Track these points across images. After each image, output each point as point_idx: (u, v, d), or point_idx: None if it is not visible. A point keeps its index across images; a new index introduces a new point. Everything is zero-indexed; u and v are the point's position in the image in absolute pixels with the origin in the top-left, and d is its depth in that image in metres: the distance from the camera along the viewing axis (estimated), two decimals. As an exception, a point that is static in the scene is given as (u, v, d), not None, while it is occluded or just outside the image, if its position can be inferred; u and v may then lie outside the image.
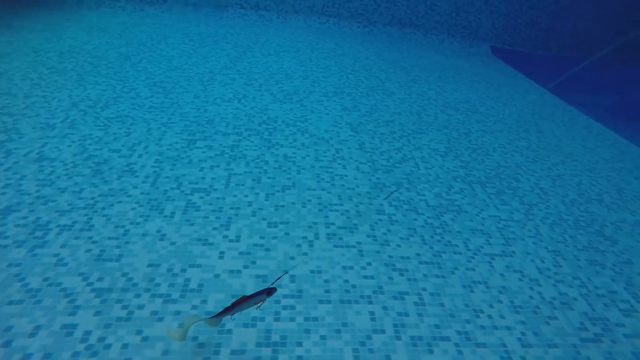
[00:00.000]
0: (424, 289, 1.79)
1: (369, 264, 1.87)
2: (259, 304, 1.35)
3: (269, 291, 1.34)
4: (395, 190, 2.34)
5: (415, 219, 2.20)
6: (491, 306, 1.76)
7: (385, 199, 2.28)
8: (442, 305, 1.73)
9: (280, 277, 1.45)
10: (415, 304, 1.71)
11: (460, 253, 2.02)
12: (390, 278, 1.81)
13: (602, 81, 5.52)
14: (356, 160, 2.65)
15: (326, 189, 2.33)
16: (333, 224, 2.08)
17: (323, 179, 2.42)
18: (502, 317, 1.72)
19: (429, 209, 2.31)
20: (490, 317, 1.71)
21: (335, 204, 2.22)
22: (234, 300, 1.59)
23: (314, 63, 4.32)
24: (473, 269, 1.94)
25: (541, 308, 1.80)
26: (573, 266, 2.08)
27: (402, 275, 1.84)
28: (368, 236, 2.03)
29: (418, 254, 1.97)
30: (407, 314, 1.66)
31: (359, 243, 1.98)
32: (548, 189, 2.75)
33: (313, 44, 5.01)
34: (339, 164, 2.59)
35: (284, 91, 3.53)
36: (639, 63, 6.42)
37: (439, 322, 1.65)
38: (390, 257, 1.93)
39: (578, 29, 6.27)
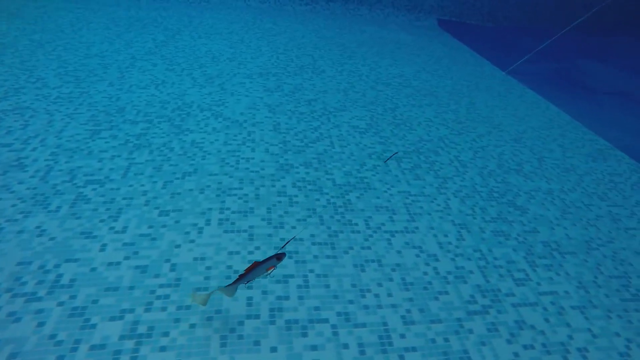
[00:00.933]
0: (311, 271, 1.74)
1: (257, 248, 1.81)
2: (269, 270, 1.38)
3: (279, 256, 1.37)
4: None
5: (318, 199, 2.14)
6: (380, 285, 1.72)
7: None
8: (327, 286, 1.68)
9: (288, 242, 1.57)
10: (299, 286, 1.66)
11: (358, 232, 1.97)
12: (278, 262, 1.75)
13: (544, 51, 5.52)
14: (267, 142, 2.57)
15: (228, 174, 2.24)
16: (228, 208, 2.00)
17: (228, 163, 2.33)
18: (389, 295, 1.68)
19: (335, 188, 2.25)
20: (376, 295, 1.67)
21: (235, 188, 2.14)
22: (247, 266, 1.62)
23: (245, 44, 4.18)
24: (369, 248, 1.90)
25: (433, 284, 1.77)
26: (476, 239, 2.06)
27: (290, 257, 1.79)
28: (263, 219, 1.97)
29: (312, 235, 1.92)
30: (287, 298, 1.61)
31: (251, 227, 1.91)
32: (467, 162, 2.72)
33: (249, 24, 4.85)
34: (248, 146, 2.50)
35: (206, 75, 3.39)
36: (586, 32, 6.44)
37: (320, 304, 1.60)
38: (282, 239, 1.86)
39: (523, 1, 6.25)
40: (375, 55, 4.43)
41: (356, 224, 2.02)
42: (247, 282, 1.39)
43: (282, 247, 1.81)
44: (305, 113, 2.98)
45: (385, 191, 2.29)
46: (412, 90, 3.67)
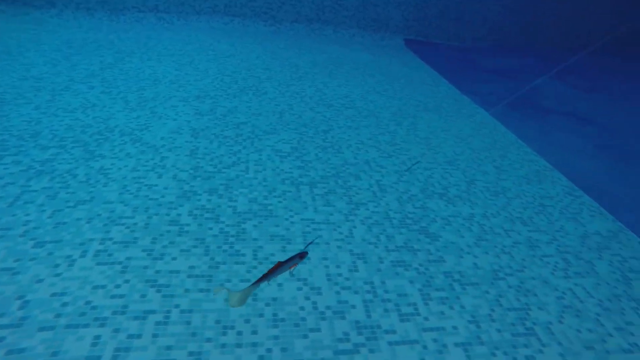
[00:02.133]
0: (177, 306, 1.65)
1: (126, 281, 1.73)
2: (292, 268, 1.50)
3: (302, 255, 1.53)
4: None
5: (211, 228, 2.07)
6: (247, 321, 1.63)
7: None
8: (189, 323, 1.59)
9: (311, 242, 1.74)
10: (157, 323, 1.57)
11: (243, 263, 1.89)
12: (143, 296, 1.67)
13: (504, 70, 5.49)
14: (178, 168, 2.51)
15: (125, 201, 2.17)
16: (111, 239, 1.93)
17: (128, 190, 2.26)
18: (253, 332, 1.59)
19: (233, 216, 2.17)
20: (239, 333, 1.58)
21: (126, 217, 2.07)
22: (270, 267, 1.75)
23: (193, 66, 4.16)
24: (249, 280, 1.81)
25: (307, 320, 1.68)
26: (371, 270, 1.97)
27: (159, 291, 1.70)
28: (143, 250, 1.89)
29: (192, 267, 1.83)
30: (139, 336, 1.52)
31: (128, 259, 1.84)
32: (389, 186, 2.64)
33: (205, 46, 4.84)
34: (156, 173, 2.44)
35: (141, 98, 3.36)
36: (552, 51, 6.42)
37: (174, 342, 1.51)
38: (157, 272, 1.79)
39: (488, 20, 6.24)
40: (327, 76, 4.39)
41: (243, 255, 1.94)
42: (269, 280, 1.51)
43: (306, 247, 1.95)
44: (229, 137, 2.93)
45: (287, 219, 2.21)
46: (353, 112, 3.62)
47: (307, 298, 1.77)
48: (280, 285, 1.82)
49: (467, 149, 3.27)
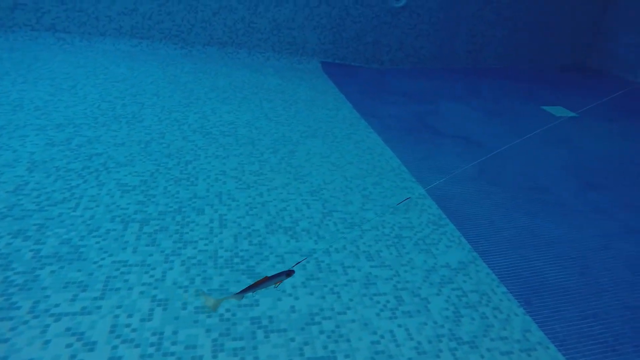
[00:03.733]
0: None
1: None
2: (277, 284, 1.51)
3: (288, 273, 1.51)
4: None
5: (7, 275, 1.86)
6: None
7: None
8: None
9: (299, 262, 1.80)
10: None
11: (11, 319, 1.69)
12: None
13: (414, 92, 5.51)
14: (-10, 206, 2.29)
15: None
16: None
17: None
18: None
19: (31, 261, 1.98)
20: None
21: None
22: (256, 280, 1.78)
23: (73, 91, 3.96)
24: (4, 342, 1.61)
25: (60, 382, 1.49)
26: (168, 318, 1.81)
27: None
28: None
29: (-55, 326, 1.62)
30: None
31: None
32: (231, 221, 2.51)
33: (98, 70, 4.65)
34: (-39, 212, 2.21)
35: (-7, 126, 3.13)
36: (462, 74, 6.54)
37: None
38: None
39: (405, 43, 6.32)
40: (221, 102, 4.27)
41: (18, 308, 1.74)
42: (254, 292, 1.53)
43: (294, 266, 1.98)
44: (73, 170, 2.74)
45: (96, 262, 2.04)
46: (231, 140, 3.50)
47: (73, 357, 1.59)
48: (47, 342, 1.63)
49: (338, 178, 3.18)
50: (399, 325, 2.00)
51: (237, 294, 1.54)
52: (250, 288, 1.49)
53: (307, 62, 6.11)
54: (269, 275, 1.68)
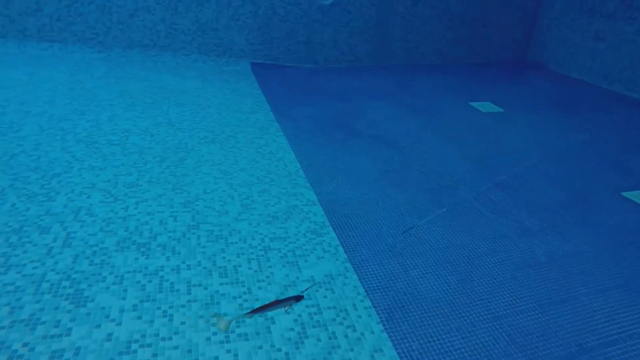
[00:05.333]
0: None
1: None
2: (287, 308, 1.56)
3: (298, 298, 1.60)
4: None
5: None
6: None
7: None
8: None
9: (308, 288, 1.86)
10: None
11: None
12: None
13: (342, 92, 5.36)
14: None
15: None
16: None
17: None
18: None
19: None
20: None
21: None
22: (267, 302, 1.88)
23: (-46, 100, 3.69)
24: None
25: None
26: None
27: None
28: None
29: None
30: None
31: None
32: (80, 239, 2.30)
33: (-5, 77, 4.37)
34: None
35: None
36: (398, 72, 6.41)
37: None
38: None
39: (338, 42, 6.16)
40: (124, 108, 4.05)
41: None
42: (263, 313, 1.57)
43: (304, 291, 2.04)
44: None
45: None
46: (117, 149, 3.28)
47: None
48: None
49: (223, 186, 3.00)
50: (228, 351, 1.83)
51: (247, 313, 1.63)
52: (260, 310, 1.51)
53: (235, 63, 5.92)
54: (279, 299, 1.80)
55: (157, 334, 1.85)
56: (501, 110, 5.09)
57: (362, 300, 2.24)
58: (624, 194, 3.48)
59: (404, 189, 3.28)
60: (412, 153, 3.86)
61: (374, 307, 2.22)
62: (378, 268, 2.47)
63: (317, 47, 6.20)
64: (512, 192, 3.35)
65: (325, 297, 2.22)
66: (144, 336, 1.83)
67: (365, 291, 2.31)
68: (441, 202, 3.14)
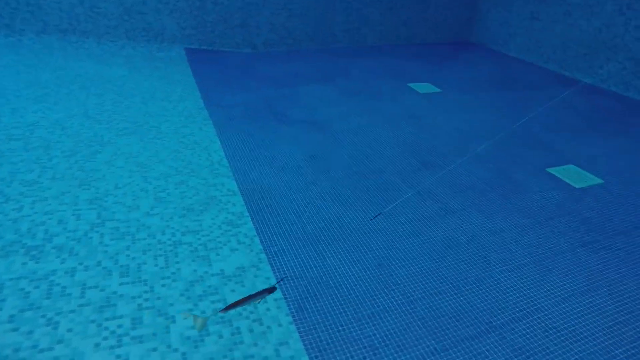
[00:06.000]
0: None
1: None
2: (258, 300, 1.64)
3: (270, 290, 1.69)
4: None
5: None
6: None
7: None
8: None
9: (279, 281, 1.97)
10: None
11: None
12: None
13: (279, 77, 5.19)
14: None
15: None
16: None
17: None
18: None
19: None
20: None
21: None
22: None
23: None
24: None
25: None
26: None
27: None
28: None
29: None
30: None
31: None
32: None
33: None
34: None
35: None
36: (338, 54, 6.30)
37: None
38: None
39: (276, 25, 5.96)
40: (33, 100, 3.75)
41: None
42: (237, 308, 1.63)
43: (276, 284, 2.01)
44: None
45: None
46: (18, 145, 3.02)
47: None
48: None
49: (137, 179, 2.81)
50: (118, 356, 1.69)
51: (220, 311, 1.63)
52: (233, 306, 1.53)
53: (168, 49, 5.63)
54: (252, 293, 1.77)
55: (35, 346, 1.69)
56: (439, 90, 5.09)
57: (273, 293, 2.14)
58: (549, 169, 3.53)
59: (330, 174, 3.20)
60: (344, 137, 3.78)
61: (285, 298, 2.14)
62: (294, 257, 2.38)
63: (255, 31, 6.00)
64: (438, 173, 3.33)
65: (233, 291, 2.12)
66: (17, 350, 1.67)
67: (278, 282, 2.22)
68: (367, 187, 3.08)
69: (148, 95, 4.22)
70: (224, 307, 1.66)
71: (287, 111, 4.25)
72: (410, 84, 5.25)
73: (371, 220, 2.65)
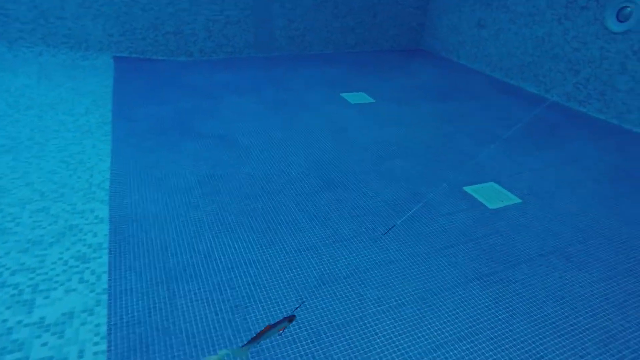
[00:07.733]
0: None
1: None
2: (281, 331, 1.51)
3: (290, 318, 1.54)
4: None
5: None
6: None
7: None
8: None
9: (298, 307, 1.91)
10: None
11: None
12: None
13: (206, 87, 4.90)
14: None
15: None
16: None
17: None
18: None
19: None
20: None
21: None
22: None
23: None
24: None
25: None
26: None
27: None
28: None
29: None
30: None
31: None
32: None
33: None
34: None
35: None
36: (276, 63, 6.03)
37: None
38: None
39: (212, 31, 5.67)
40: None
41: None
42: (259, 343, 1.55)
43: (294, 311, 1.98)
44: None
45: None
46: None
47: None
48: None
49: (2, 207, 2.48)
50: None
51: (241, 347, 1.49)
52: (254, 340, 1.46)
53: (94, 57, 5.31)
54: (271, 324, 1.66)
55: None
56: (372, 101, 4.84)
57: (96, 344, 1.85)
58: (466, 188, 3.27)
59: (218, 197, 2.91)
60: (251, 154, 3.49)
61: (110, 350, 1.83)
62: (140, 298, 2.09)
63: (191, 38, 5.71)
64: (342, 195, 3.05)
65: (44, 344, 1.80)
66: None
67: (109, 330, 1.92)
68: (255, 210, 2.79)
69: (48, 108, 3.90)
70: (246, 342, 1.55)
71: (199, 125, 3.96)
72: (343, 94, 5.00)
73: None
